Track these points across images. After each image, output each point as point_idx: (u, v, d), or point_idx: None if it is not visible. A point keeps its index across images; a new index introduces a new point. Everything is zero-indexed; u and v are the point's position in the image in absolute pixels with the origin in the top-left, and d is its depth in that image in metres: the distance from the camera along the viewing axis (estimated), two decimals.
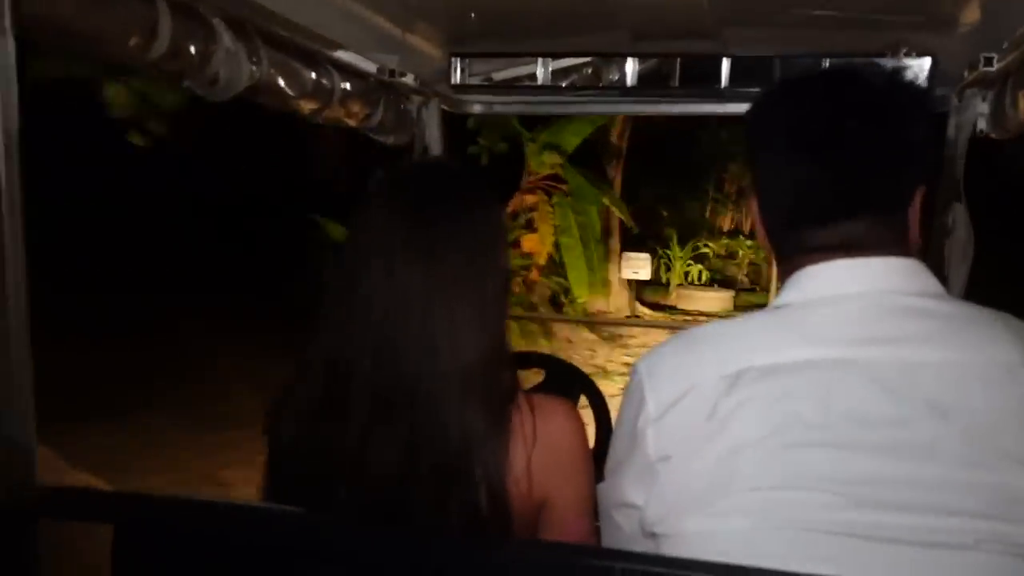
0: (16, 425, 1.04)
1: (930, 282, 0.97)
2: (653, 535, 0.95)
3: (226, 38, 1.48)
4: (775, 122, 1.03)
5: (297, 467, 1.14)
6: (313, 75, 1.78)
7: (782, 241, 1.04)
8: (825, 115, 0.98)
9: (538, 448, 1.11)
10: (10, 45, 1.00)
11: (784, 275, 1.02)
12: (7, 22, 1.00)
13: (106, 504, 0.91)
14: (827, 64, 1.75)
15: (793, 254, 1.01)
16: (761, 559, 0.82)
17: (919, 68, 1.75)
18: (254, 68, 1.56)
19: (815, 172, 0.98)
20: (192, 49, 1.42)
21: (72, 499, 0.93)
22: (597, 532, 1.12)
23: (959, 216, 1.93)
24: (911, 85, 1.02)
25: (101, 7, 1.25)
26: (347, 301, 1.13)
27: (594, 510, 1.15)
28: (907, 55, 1.76)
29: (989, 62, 1.63)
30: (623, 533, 1.01)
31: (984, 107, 1.85)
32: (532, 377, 2.06)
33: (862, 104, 0.98)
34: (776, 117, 1.03)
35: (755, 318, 1.00)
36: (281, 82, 1.68)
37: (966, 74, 1.73)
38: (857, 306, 0.94)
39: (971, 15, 1.59)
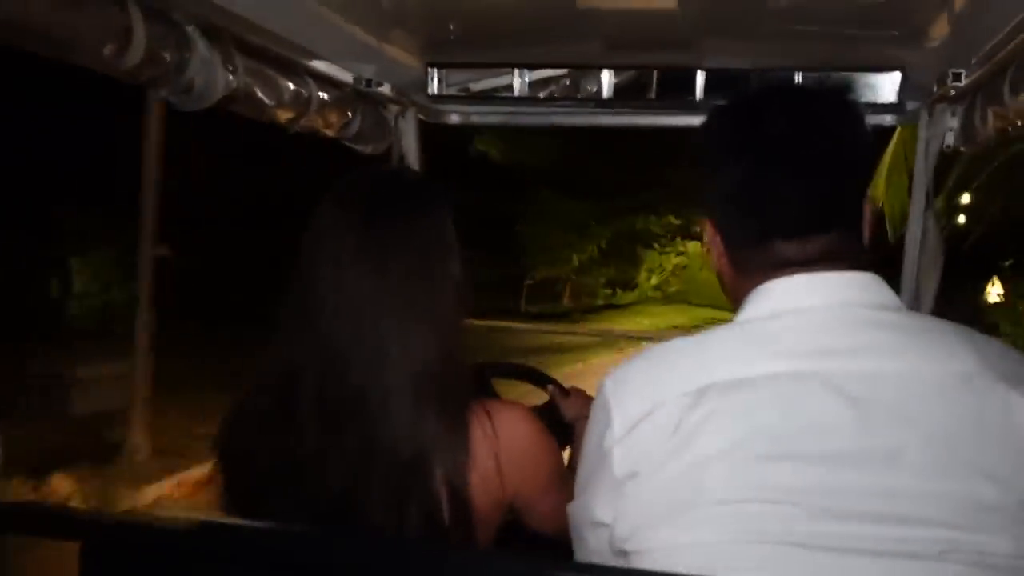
0: None
1: (888, 295, 0.98)
2: (623, 552, 0.94)
3: (201, 46, 1.47)
4: (741, 136, 1.03)
5: (251, 478, 1.14)
6: (290, 84, 1.77)
7: (748, 257, 1.03)
8: (795, 130, 0.99)
9: (503, 447, 1.12)
10: None
11: (741, 293, 1.03)
12: None
13: (72, 521, 0.90)
14: (800, 77, 1.77)
15: (759, 269, 1.01)
16: (728, 572, 0.83)
17: (890, 82, 1.78)
18: (230, 77, 1.56)
19: (788, 187, 0.98)
20: (167, 57, 1.42)
21: (35, 516, 0.91)
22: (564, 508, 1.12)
23: (929, 227, 1.96)
24: (854, 103, 1.05)
25: (74, 14, 1.25)
26: (299, 310, 1.13)
27: (559, 487, 1.17)
28: (878, 69, 1.78)
29: (958, 77, 1.65)
30: (593, 552, 1.01)
31: (954, 121, 1.88)
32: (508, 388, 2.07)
33: (826, 120, 1.00)
34: (742, 131, 1.04)
35: (718, 333, 1.00)
36: (257, 91, 1.68)
37: (935, 88, 1.76)
38: (818, 319, 0.95)
39: (940, 30, 1.62)
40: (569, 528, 1.06)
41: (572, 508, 1.05)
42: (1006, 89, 1.53)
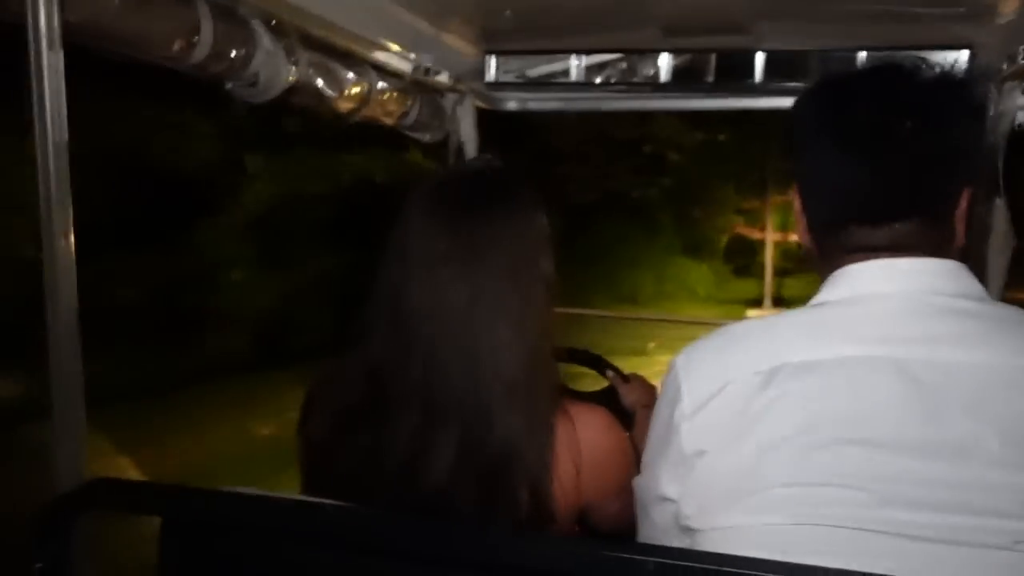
0: (64, 417, 1.08)
1: (971, 284, 0.96)
2: (688, 529, 0.95)
3: (266, 40, 1.51)
4: (824, 118, 1.01)
5: (333, 470, 1.16)
6: (350, 75, 1.81)
7: (825, 239, 1.03)
8: (877, 114, 0.97)
9: (584, 453, 1.12)
10: (60, 60, 1.04)
11: (824, 273, 1.02)
12: (57, 36, 1.03)
13: (153, 496, 0.94)
14: (863, 58, 1.74)
15: (836, 252, 1.00)
16: (793, 555, 0.83)
17: (957, 61, 1.73)
18: (293, 68, 1.59)
19: (866, 172, 0.97)
20: (233, 52, 1.46)
21: (119, 491, 0.96)
22: (634, 510, 1.13)
23: (998, 211, 1.91)
24: (961, 85, 1.00)
25: (143, 13, 1.29)
26: (390, 310, 1.13)
27: (628, 492, 1.15)
28: (945, 48, 1.74)
29: None
30: (659, 528, 1.02)
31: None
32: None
33: (915, 104, 0.97)
34: (825, 113, 1.02)
35: (792, 316, 1.00)
36: (319, 82, 1.71)
37: (1005, 67, 1.71)
38: (894, 305, 0.94)
39: (1010, 6, 1.57)
40: (635, 507, 1.07)
41: (638, 482, 1.06)
42: None
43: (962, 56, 1.73)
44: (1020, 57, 1.61)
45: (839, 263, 0.99)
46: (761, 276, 19.25)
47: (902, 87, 0.98)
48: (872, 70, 1.04)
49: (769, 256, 19.21)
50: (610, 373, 1.73)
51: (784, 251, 18.76)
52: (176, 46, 1.35)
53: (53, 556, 0.90)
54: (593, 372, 1.85)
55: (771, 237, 19.36)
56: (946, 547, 0.82)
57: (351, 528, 0.87)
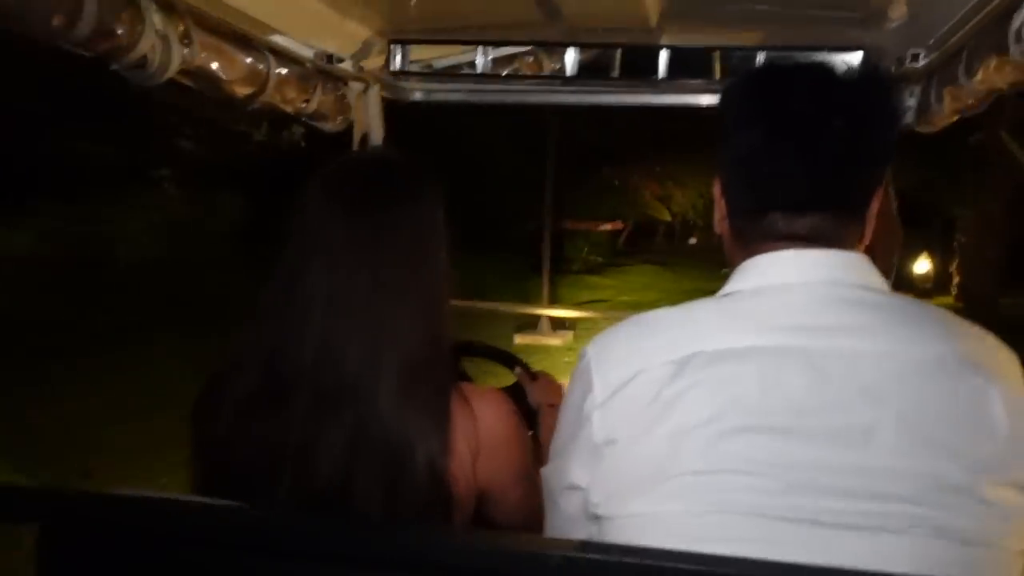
0: None
1: (873, 276, 0.99)
2: (596, 518, 0.95)
3: (156, 19, 1.43)
4: (757, 107, 1.03)
5: (230, 459, 1.12)
6: (247, 59, 1.73)
7: (744, 225, 1.04)
8: (811, 108, 0.99)
9: (481, 434, 1.12)
10: None
11: (738, 261, 1.03)
12: None
13: (29, 500, 0.87)
14: (763, 57, 1.78)
15: (754, 240, 1.02)
16: (700, 542, 0.84)
17: (850, 62, 1.79)
18: (186, 51, 1.52)
19: (796, 161, 0.98)
20: (119, 30, 1.38)
21: None
22: (534, 498, 1.13)
23: (891, 207, 1.99)
24: (886, 89, 1.03)
25: None
26: (287, 296, 1.11)
27: (529, 478, 1.17)
28: (839, 49, 1.79)
29: (916, 58, 1.67)
30: (567, 517, 1.02)
31: (912, 102, 1.90)
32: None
33: (845, 103, 0.99)
34: (759, 102, 1.03)
35: (704, 305, 1.01)
36: (214, 66, 1.64)
37: (894, 69, 1.78)
38: (803, 295, 0.96)
39: (899, 11, 1.64)
40: (542, 496, 1.07)
41: (547, 472, 1.05)
42: (961, 70, 1.55)
43: (855, 58, 1.79)
44: (908, 60, 1.68)
45: (754, 251, 1.01)
46: None
47: (834, 85, 1.01)
48: (804, 66, 1.06)
49: None
50: (518, 369, 1.72)
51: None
52: (56, 21, 1.27)
53: None
54: (501, 370, 1.84)
55: None
56: (849, 532, 0.84)
57: (243, 528, 0.83)
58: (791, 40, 1.81)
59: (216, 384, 1.16)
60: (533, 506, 1.11)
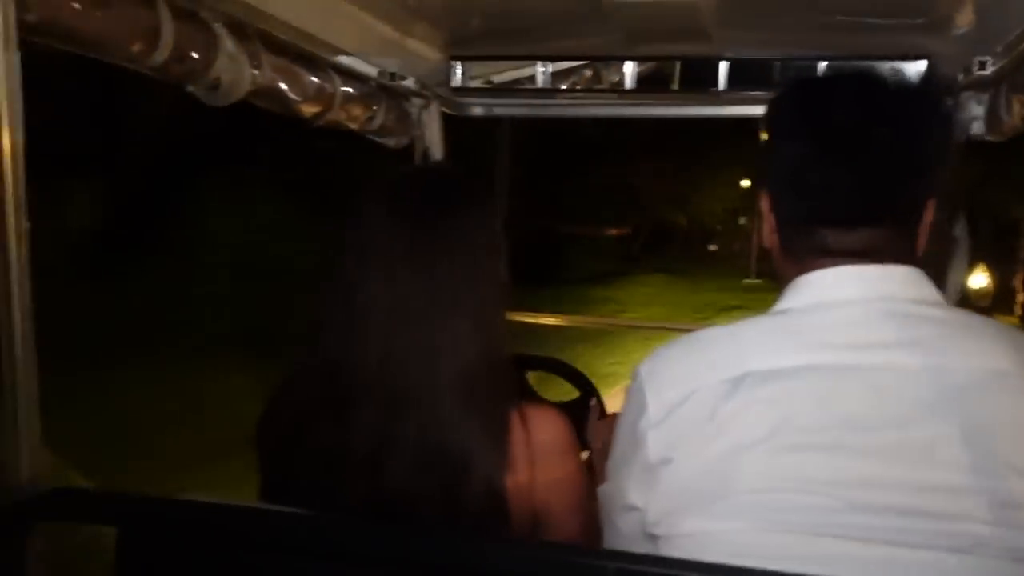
0: (17, 424, 1.05)
1: (929, 290, 0.98)
2: (653, 537, 0.95)
3: (228, 43, 1.49)
4: (804, 119, 1.02)
5: (294, 467, 1.15)
6: (314, 79, 1.79)
7: (794, 240, 1.03)
8: (857, 118, 0.98)
9: (536, 453, 1.12)
10: (16, 60, 1.02)
11: (789, 276, 1.03)
12: (13, 36, 1.01)
13: (110, 505, 0.92)
14: (824, 67, 1.77)
15: (805, 255, 1.01)
16: (758, 561, 0.83)
17: (915, 71, 1.76)
18: (256, 73, 1.58)
19: (846, 173, 0.98)
20: (194, 54, 1.44)
21: (75, 500, 0.94)
22: (592, 528, 1.13)
23: (959, 219, 1.94)
24: (932, 96, 1.02)
25: (102, 13, 1.27)
26: (348, 306, 1.13)
27: (585, 506, 1.17)
28: (903, 58, 1.77)
29: (983, 65, 1.64)
30: (624, 537, 1.02)
31: (979, 110, 1.86)
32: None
33: (891, 112, 0.98)
34: (805, 114, 1.03)
35: (757, 323, 1.01)
36: (283, 86, 1.70)
37: (961, 77, 1.74)
38: (857, 312, 0.95)
39: (966, 18, 1.60)
40: (600, 519, 1.08)
41: (603, 491, 1.06)
42: None
43: (920, 66, 1.76)
44: (975, 68, 1.64)
45: (805, 267, 1.00)
46: None
47: (878, 94, 1.00)
48: (848, 76, 1.06)
49: None
50: (594, 401, 1.70)
51: None
52: (136, 47, 1.33)
53: (6, 568, 0.87)
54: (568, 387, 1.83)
55: None
56: (909, 551, 0.83)
57: (312, 535, 0.86)
58: (853, 49, 1.79)
59: (279, 396, 1.19)
60: (592, 537, 1.11)
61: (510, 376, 1.19)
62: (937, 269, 1.91)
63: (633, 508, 0.98)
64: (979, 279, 11.97)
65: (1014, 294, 11.87)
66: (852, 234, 0.98)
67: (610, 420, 1.63)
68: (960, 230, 1.92)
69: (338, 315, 1.14)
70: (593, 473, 1.43)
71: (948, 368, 0.89)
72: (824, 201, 0.99)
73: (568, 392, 1.86)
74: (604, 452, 1.50)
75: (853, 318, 0.95)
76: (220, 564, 0.91)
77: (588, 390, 1.78)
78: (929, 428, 0.86)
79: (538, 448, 1.12)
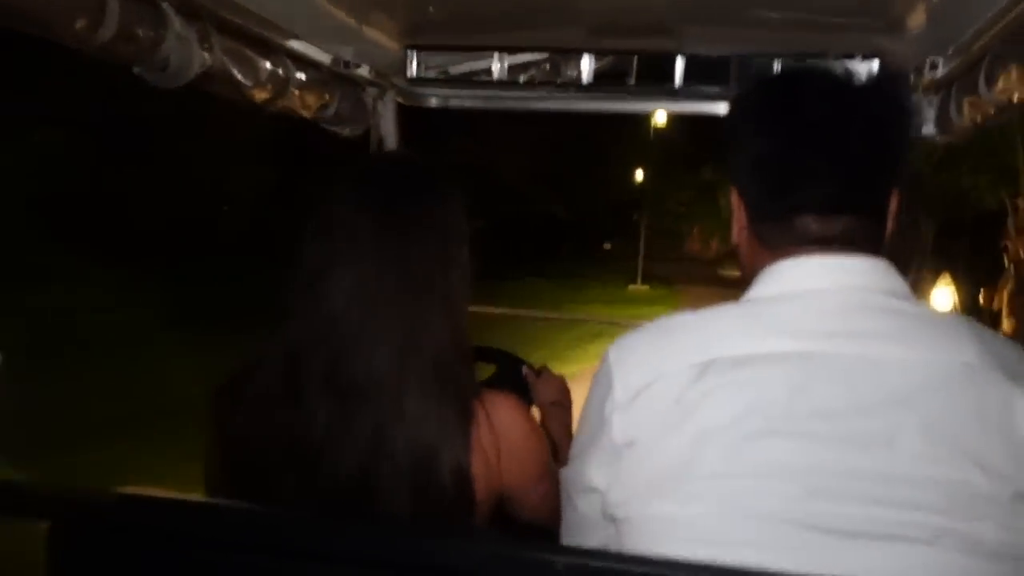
0: None
1: (898, 282, 0.99)
2: (614, 519, 0.96)
3: (177, 23, 1.45)
4: (773, 114, 1.03)
5: (249, 455, 1.13)
6: (267, 64, 1.75)
7: (770, 231, 1.03)
8: (828, 111, 0.99)
9: (500, 438, 1.13)
10: None
11: (759, 266, 1.03)
12: None
13: (39, 499, 0.88)
14: (779, 64, 1.78)
15: (780, 243, 1.01)
16: (720, 546, 0.84)
17: (867, 70, 1.78)
18: (206, 55, 1.54)
19: (820, 163, 0.99)
20: (141, 33, 1.39)
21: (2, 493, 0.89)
22: (553, 498, 1.14)
23: (921, 214, 1.97)
24: (894, 91, 1.04)
25: None
26: (313, 294, 1.12)
27: (546, 478, 1.19)
28: (856, 57, 1.79)
29: (935, 66, 1.66)
30: (584, 518, 1.02)
31: (930, 112, 1.89)
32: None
33: (857, 105, 1.00)
34: (774, 109, 1.04)
35: (727, 309, 1.01)
36: (234, 70, 1.65)
37: (913, 78, 1.77)
38: (827, 301, 0.96)
39: (918, 19, 1.63)
40: (560, 497, 1.08)
41: (565, 472, 1.06)
42: (981, 79, 1.54)
43: (873, 65, 1.78)
44: (927, 69, 1.67)
45: (779, 255, 1.00)
46: None
47: (847, 89, 1.02)
48: (812, 71, 1.07)
49: None
50: (525, 369, 1.72)
51: None
52: (79, 24, 1.29)
53: None
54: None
55: None
56: (870, 541, 0.84)
57: (258, 529, 0.83)
58: (809, 47, 1.80)
59: (238, 379, 1.17)
60: (557, 502, 1.12)
61: (472, 363, 1.20)
62: (899, 262, 1.94)
63: (594, 490, 0.98)
64: (942, 296, 7.98)
65: (997, 315, 8.66)
66: (831, 222, 0.99)
67: (546, 375, 1.68)
68: (922, 223, 1.95)
69: (303, 301, 1.13)
70: (548, 432, 1.47)
71: (915, 360, 0.90)
72: (804, 190, 1.00)
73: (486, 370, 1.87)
74: (556, 403, 1.55)
75: (823, 307, 0.95)
76: (161, 561, 0.88)
77: (514, 362, 1.80)
78: (893, 418, 0.87)
79: (501, 432, 1.13)
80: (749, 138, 1.05)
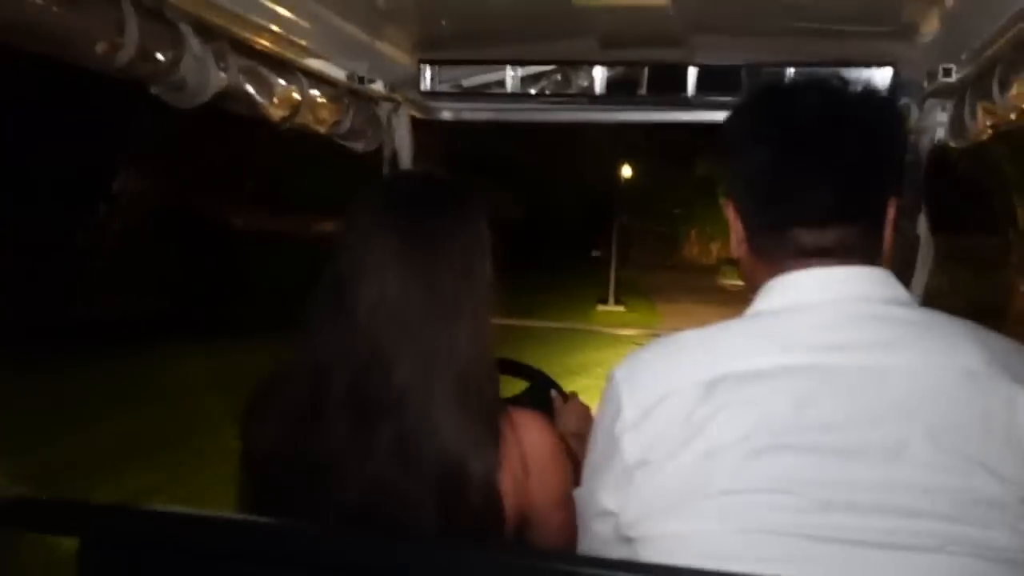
0: None
1: (899, 290, 0.99)
2: (628, 540, 0.96)
3: (194, 44, 1.47)
4: (768, 126, 1.04)
5: (276, 470, 1.13)
6: (282, 82, 1.77)
7: (767, 243, 1.04)
8: (821, 123, 1.00)
9: (527, 457, 1.13)
10: None
11: (761, 279, 1.03)
12: None
13: (72, 515, 0.89)
14: (791, 73, 1.78)
15: (777, 256, 1.02)
16: (733, 562, 0.83)
17: (881, 78, 1.78)
18: (222, 74, 1.55)
19: (816, 174, 0.99)
20: (159, 55, 1.41)
21: (34, 509, 0.90)
22: (572, 522, 1.13)
23: (922, 223, 1.97)
24: (884, 101, 1.07)
25: (67, 11, 1.24)
26: (339, 308, 1.12)
27: (568, 502, 1.16)
28: (869, 64, 1.79)
29: (948, 72, 1.66)
30: (599, 540, 1.02)
31: (944, 117, 1.88)
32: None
33: (850, 116, 1.01)
34: (769, 121, 1.04)
35: (732, 326, 1.01)
36: (250, 89, 1.67)
37: (926, 84, 1.77)
38: (830, 313, 0.96)
39: (931, 25, 1.63)
40: (576, 521, 1.07)
41: (579, 494, 1.06)
42: (995, 85, 1.54)
43: (885, 73, 1.78)
44: (941, 75, 1.67)
45: (780, 269, 1.01)
46: None
47: (841, 99, 1.03)
48: (805, 84, 1.08)
49: None
50: (553, 392, 1.72)
51: None
52: (100, 47, 1.31)
53: None
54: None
55: None
56: (879, 551, 0.84)
57: (287, 545, 0.83)
58: (821, 55, 1.81)
59: (264, 395, 1.18)
60: (574, 531, 1.11)
61: (498, 379, 1.20)
62: (902, 271, 1.94)
63: (608, 513, 0.98)
64: None
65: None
66: (826, 233, 1.00)
67: (574, 403, 1.66)
68: (926, 234, 1.95)
69: (327, 314, 1.14)
70: (572, 456, 1.45)
71: (919, 368, 0.90)
72: (798, 201, 1.00)
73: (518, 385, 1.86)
74: (577, 434, 1.54)
75: (827, 319, 0.96)
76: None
77: (539, 379, 1.80)
78: (899, 427, 0.87)
79: (529, 450, 1.13)
80: (744, 151, 1.06)
